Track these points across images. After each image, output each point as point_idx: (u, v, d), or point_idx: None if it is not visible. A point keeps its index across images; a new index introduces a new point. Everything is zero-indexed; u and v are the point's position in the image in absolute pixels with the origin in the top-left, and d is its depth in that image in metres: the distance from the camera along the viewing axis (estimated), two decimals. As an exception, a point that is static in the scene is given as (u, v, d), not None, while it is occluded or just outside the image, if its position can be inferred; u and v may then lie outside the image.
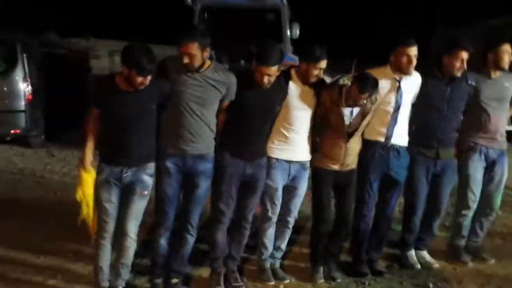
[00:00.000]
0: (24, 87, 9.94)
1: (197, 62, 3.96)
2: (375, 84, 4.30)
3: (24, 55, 10.03)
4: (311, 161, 4.58)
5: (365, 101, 4.36)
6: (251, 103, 4.22)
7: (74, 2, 27.53)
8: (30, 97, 10.02)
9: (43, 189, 7.56)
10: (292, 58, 8.79)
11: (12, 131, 9.99)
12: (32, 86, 10.07)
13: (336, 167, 4.52)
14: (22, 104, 9.94)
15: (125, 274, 4.20)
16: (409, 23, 22.47)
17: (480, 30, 12.96)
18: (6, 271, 4.70)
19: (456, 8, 23.59)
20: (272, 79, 4.15)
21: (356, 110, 4.43)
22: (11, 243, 5.30)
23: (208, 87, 4.07)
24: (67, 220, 5.92)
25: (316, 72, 4.32)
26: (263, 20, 9.91)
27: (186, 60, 3.93)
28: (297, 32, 9.87)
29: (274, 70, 4.11)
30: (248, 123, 4.27)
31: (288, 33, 9.69)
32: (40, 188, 7.61)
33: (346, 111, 4.41)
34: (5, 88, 9.92)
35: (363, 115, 4.45)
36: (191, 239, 4.33)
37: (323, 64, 4.33)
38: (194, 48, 3.91)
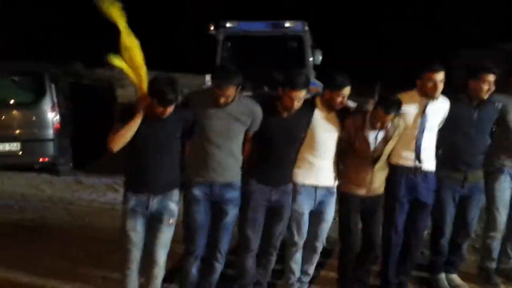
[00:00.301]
0: (52, 117, 10.05)
1: (231, 100, 4.01)
2: (399, 104, 4.29)
3: (52, 85, 10.17)
4: (337, 186, 4.56)
5: (389, 125, 4.35)
6: (276, 131, 4.23)
7: (100, 34, 27.97)
8: (58, 126, 10.12)
9: (71, 216, 7.59)
10: (315, 83, 8.80)
11: (40, 159, 10.08)
12: (60, 115, 10.17)
13: (362, 192, 4.50)
14: (50, 133, 10.04)
15: None
16: (433, 46, 22.46)
17: (502, 53, 12.89)
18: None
19: (477, 31, 23.58)
20: (300, 103, 4.16)
21: (380, 135, 4.41)
22: (40, 269, 5.32)
23: (233, 121, 4.09)
24: (95, 246, 6.05)
25: (339, 99, 4.32)
26: (285, 47, 9.95)
27: (222, 101, 3.97)
28: (319, 58, 9.89)
29: (301, 94, 4.12)
30: (273, 150, 4.27)
31: (311, 59, 9.71)
32: (68, 215, 7.64)
33: (371, 136, 4.40)
34: (34, 118, 10.03)
35: (386, 139, 4.43)
36: (219, 267, 4.32)
37: (347, 91, 4.33)
38: (232, 91, 3.97)
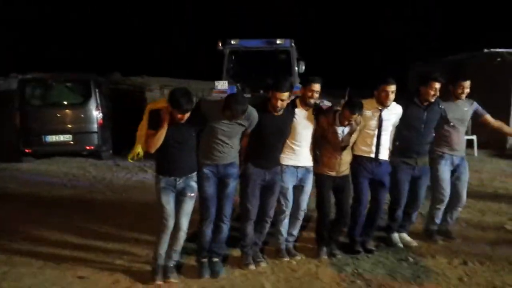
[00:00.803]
0: (96, 114, 10.13)
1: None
2: (361, 106, 4.36)
3: (96, 90, 10.24)
4: (314, 169, 4.61)
5: (353, 122, 4.42)
6: (269, 127, 4.27)
7: (132, 47, 28.05)
8: (101, 121, 10.20)
9: (111, 191, 7.64)
10: (298, 87, 8.82)
11: (87, 147, 10.20)
12: (102, 113, 10.25)
13: (333, 173, 4.57)
14: (95, 127, 10.12)
15: (176, 257, 4.27)
16: (391, 61, 22.44)
17: (448, 64, 12.85)
18: (85, 254, 4.78)
19: (427, 46, 23.55)
20: (285, 104, 4.21)
21: (346, 130, 4.47)
22: (88, 232, 5.41)
23: (235, 125, 4.13)
24: (130, 214, 6.11)
25: (310, 93, 4.39)
26: (276, 59, 9.93)
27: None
28: (303, 67, 9.86)
29: (286, 96, 4.16)
30: (267, 142, 4.33)
31: (296, 68, 9.70)
32: (109, 190, 7.70)
33: (339, 130, 4.46)
34: (82, 115, 10.13)
35: (350, 133, 4.50)
36: (225, 227, 4.36)
37: (316, 87, 4.39)
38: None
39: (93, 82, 10.30)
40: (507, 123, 11.84)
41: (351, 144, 4.58)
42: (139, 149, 4.08)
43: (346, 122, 4.40)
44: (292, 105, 4.45)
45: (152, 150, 3.98)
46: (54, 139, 9.89)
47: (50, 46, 25.70)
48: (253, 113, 4.19)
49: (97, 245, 5.02)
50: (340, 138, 4.46)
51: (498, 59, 12.01)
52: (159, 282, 4.10)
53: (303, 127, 4.46)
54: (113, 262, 4.57)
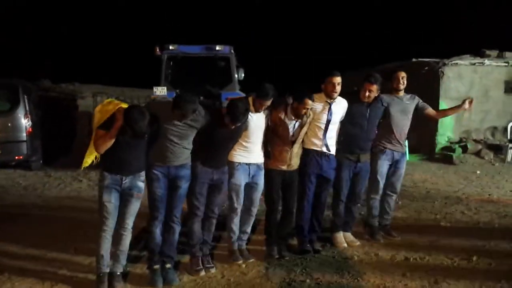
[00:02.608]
0: (25, 122, 9.72)
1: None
2: (306, 92, 4.51)
3: (25, 96, 9.82)
4: (264, 165, 4.67)
5: (304, 115, 4.54)
6: (221, 135, 4.30)
7: (62, 54, 27.06)
8: (30, 129, 9.80)
9: (43, 202, 7.31)
10: (239, 94, 8.89)
11: (16, 157, 9.74)
12: (31, 121, 9.84)
13: (284, 167, 4.66)
14: (24, 135, 9.71)
15: (123, 260, 4.12)
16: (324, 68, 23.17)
17: (379, 72, 13.45)
18: (23, 264, 4.55)
19: (359, 55, 24.59)
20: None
21: (296, 124, 4.59)
22: (25, 244, 5.12)
23: (188, 127, 4.13)
24: (65, 225, 5.87)
25: (265, 106, 4.50)
26: (216, 66, 9.90)
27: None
28: (242, 74, 9.91)
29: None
30: (217, 146, 4.36)
31: (236, 75, 9.74)
32: (41, 201, 7.36)
33: (290, 125, 4.57)
34: (9, 124, 9.68)
35: (301, 126, 4.63)
36: (177, 228, 4.32)
37: (269, 102, 4.48)
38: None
39: (22, 88, 9.87)
40: (436, 128, 12.69)
41: (301, 138, 4.69)
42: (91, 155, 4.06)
43: (303, 113, 4.52)
44: None
45: (102, 151, 3.88)
46: (-21, 149, 9.32)
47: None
48: (208, 118, 4.21)
49: (36, 255, 4.79)
50: (291, 133, 4.58)
51: (426, 68, 12.77)
52: (104, 291, 3.95)
53: (255, 128, 4.54)
54: (55, 272, 4.36)
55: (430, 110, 5.34)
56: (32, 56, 25.69)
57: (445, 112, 6.06)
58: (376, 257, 4.83)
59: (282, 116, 4.56)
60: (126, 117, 3.73)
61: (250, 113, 4.42)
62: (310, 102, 4.51)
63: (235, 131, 4.34)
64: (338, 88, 4.74)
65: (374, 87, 4.91)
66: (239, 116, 4.12)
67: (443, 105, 12.05)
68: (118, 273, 4.09)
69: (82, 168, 4.17)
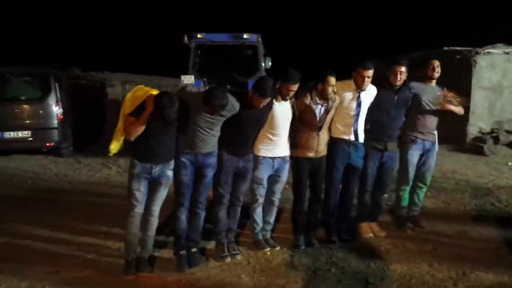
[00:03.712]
0: (56, 109, 9.84)
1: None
2: (327, 71, 4.47)
3: (56, 84, 9.95)
4: (291, 154, 4.65)
5: (329, 98, 4.52)
6: (246, 120, 4.31)
7: (91, 43, 27.49)
8: (61, 117, 9.92)
9: (74, 188, 7.47)
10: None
11: (47, 144, 9.87)
12: (62, 108, 9.96)
13: (311, 154, 4.63)
14: (55, 122, 9.83)
15: (150, 245, 4.21)
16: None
17: (410, 60, 13.21)
18: (54, 248, 4.69)
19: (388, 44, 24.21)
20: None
21: (323, 108, 4.56)
22: (56, 229, 5.26)
23: (219, 116, 4.15)
24: (97, 210, 6.00)
25: (292, 92, 4.43)
26: (243, 54, 9.90)
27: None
28: (269, 63, 9.87)
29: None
30: (243, 132, 4.37)
31: (263, 64, 9.71)
32: (71, 187, 7.53)
33: (316, 109, 4.53)
34: (40, 111, 9.81)
35: (327, 112, 4.58)
36: (202, 213, 4.39)
37: (295, 87, 4.41)
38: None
39: (53, 76, 10.00)
40: (467, 119, 12.41)
41: (327, 125, 4.65)
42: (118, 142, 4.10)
43: (329, 92, 4.47)
44: None
45: (133, 137, 3.94)
46: (12, 136, 9.56)
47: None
48: (234, 103, 4.21)
49: (66, 240, 4.92)
50: (318, 118, 4.54)
51: (458, 57, 12.47)
52: (132, 275, 4.05)
53: (282, 119, 4.50)
54: (84, 256, 4.49)
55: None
56: (62, 45, 26.18)
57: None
58: (403, 247, 4.80)
59: (308, 101, 4.52)
60: (156, 103, 3.77)
61: (275, 102, 4.42)
62: (333, 79, 4.45)
63: (261, 114, 4.33)
64: (368, 81, 4.65)
65: (404, 69, 4.81)
66: (268, 89, 4.10)
67: (476, 95, 11.75)
68: (146, 258, 4.18)
69: (112, 155, 4.23)
